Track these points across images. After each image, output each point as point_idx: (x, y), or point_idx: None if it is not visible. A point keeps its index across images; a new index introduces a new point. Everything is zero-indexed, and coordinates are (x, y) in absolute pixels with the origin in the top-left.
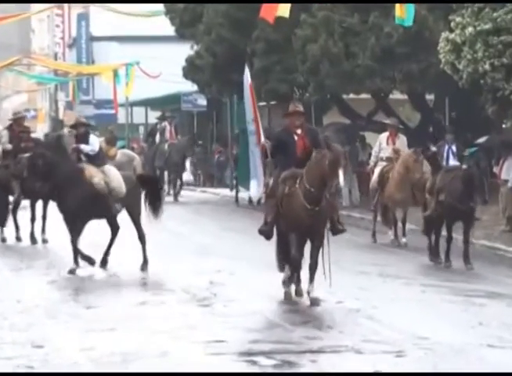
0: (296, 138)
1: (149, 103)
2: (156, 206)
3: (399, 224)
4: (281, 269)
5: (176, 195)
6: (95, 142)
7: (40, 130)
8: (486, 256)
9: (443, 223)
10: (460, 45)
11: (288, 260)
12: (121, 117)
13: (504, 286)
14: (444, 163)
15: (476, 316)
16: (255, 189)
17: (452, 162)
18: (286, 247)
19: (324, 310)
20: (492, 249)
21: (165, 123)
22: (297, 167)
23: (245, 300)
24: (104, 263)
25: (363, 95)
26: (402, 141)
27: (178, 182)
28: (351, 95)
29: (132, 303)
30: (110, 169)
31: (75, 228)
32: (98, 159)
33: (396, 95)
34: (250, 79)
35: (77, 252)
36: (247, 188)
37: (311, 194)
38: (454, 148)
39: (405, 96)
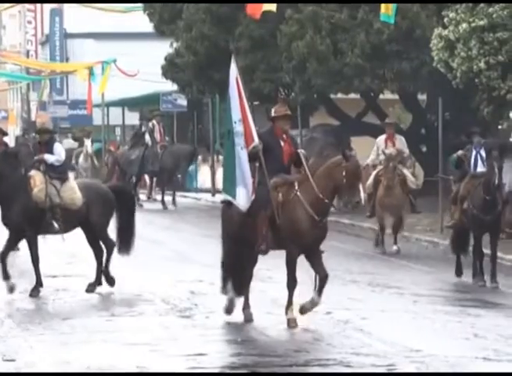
0: (282, 143)
1: (126, 104)
2: (126, 237)
3: (387, 231)
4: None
5: (169, 202)
6: (61, 152)
7: (11, 132)
8: None
9: (468, 235)
10: (454, 42)
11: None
12: (97, 118)
13: (501, 296)
14: (471, 170)
15: (471, 328)
16: (244, 198)
17: (481, 169)
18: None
19: (311, 321)
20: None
21: (153, 122)
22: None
23: None
24: (110, 281)
25: (352, 95)
26: (401, 141)
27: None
28: (340, 95)
29: (109, 314)
30: (68, 182)
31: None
32: (59, 171)
33: (387, 95)
34: (238, 75)
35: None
36: (233, 196)
37: (322, 204)
38: (483, 152)
39: (396, 96)
